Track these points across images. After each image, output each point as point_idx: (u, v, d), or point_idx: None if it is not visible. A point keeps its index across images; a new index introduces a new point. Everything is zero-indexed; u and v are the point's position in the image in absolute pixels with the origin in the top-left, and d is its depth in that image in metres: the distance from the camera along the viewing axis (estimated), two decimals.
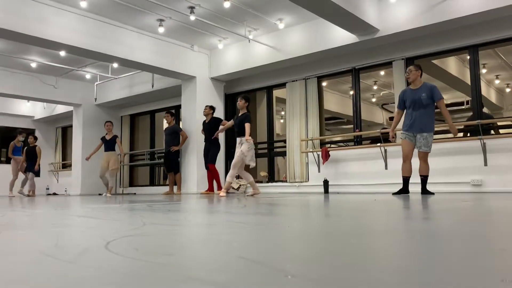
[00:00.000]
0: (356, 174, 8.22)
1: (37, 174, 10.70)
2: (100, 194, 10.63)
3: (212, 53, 9.96)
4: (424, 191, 5.77)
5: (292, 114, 9.21)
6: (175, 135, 9.55)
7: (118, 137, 9.91)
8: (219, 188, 8.43)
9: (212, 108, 8.87)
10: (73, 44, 7.73)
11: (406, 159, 5.78)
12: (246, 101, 6.91)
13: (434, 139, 7.56)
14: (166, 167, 9.75)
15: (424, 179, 5.76)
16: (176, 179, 9.52)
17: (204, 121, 8.93)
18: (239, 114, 6.88)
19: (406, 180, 5.81)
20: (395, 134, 6.25)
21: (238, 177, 9.89)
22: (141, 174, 12.97)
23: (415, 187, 6.15)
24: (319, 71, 8.97)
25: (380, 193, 6.81)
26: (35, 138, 11.04)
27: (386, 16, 7.30)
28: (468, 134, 7.48)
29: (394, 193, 5.87)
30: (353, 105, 8.67)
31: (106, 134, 9.74)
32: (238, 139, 6.76)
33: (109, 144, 9.66)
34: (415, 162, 5.78)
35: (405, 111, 5.83)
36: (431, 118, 5.63)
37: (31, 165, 10.55)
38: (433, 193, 5.75)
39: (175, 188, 9.57)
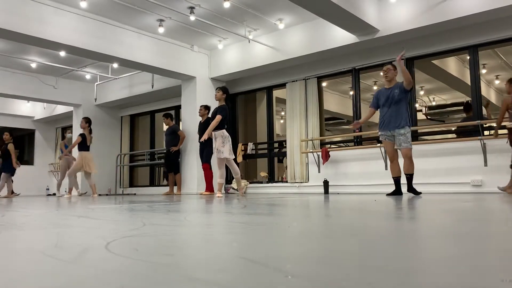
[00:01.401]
0: (356, 174, 8.21)
1: (12, 173, 10.07)
2: (100, 195, 10.62)
3: (212, 53, 9.97)
4: (411, 189, 5.66)
5: (292, 114, 9.21)
6: (174, 135, 9.58)
7: (81, 135, 8.98)
8: (207, 189, 8.35)
9: (207, 108, 8.81)
10: (73, 44, 7.73)
11: (393, 159, 5.77)
12: (223, 92, 6.68)
13: (434, 139, 7.61)
14: (167, 167, 9.80)
15: (409, 177, 5.65)
16: (176, 180, 9.53)
17: (200, 122, 8.92)
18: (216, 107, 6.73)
19: (397, 181, 5.77)
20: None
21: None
22: (141, 175, 12.97)
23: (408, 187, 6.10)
24: (319, 71, 8.97)
25: (380, 194, 6.81)
26: (11, 135, 10.27)
27: (386, 16, 7.30)
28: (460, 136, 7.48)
29: (388, 194, 5.81)
30: (353, 105, 8.66)
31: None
32: (213, 133, 6.56)
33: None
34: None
35: (379, 110, 5.85)
36: (406, 113, 5.60)
37: (6, 165, 9.91)
38: (420, 193, 5.65)
39: (175, 188, 9.58)
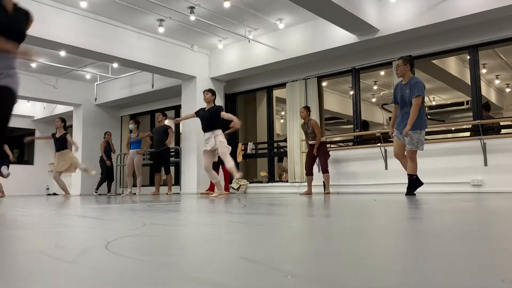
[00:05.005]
0: (356, 174, 8.21)
1: None
2: (100, 195, 10.61)
3: (212, 53, 9.96)
4: (408, 191, 5.52)
5: (292, 114, 9.21)
6: (166, 133, 9.41)
7: (69, 133, 8.81)
8: (209, 188, 8.32)
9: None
10: (73, 44, 7.73)
11: (397, 157, 5.69)
12: (212, 94, 6.81)
13: (434, 139, 7.59)
14: (157, 167, 9.53)
15: (409, 178, 5.53)
16: (167, 180, 9.45)
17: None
18: (206, 108, 6.74)
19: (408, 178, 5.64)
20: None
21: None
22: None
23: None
24: (319, 71, 8.97)
25: (380, 193, 6.81)
26: None
27: (386, 16, 7.30)
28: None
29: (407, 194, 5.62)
30: (353, 105, 8.66)
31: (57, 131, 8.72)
32: (208, 134, 6.55)
33: (60, 143, 8.63)
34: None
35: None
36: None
37: None
38: (412, 194, 5.48)
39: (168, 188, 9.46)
